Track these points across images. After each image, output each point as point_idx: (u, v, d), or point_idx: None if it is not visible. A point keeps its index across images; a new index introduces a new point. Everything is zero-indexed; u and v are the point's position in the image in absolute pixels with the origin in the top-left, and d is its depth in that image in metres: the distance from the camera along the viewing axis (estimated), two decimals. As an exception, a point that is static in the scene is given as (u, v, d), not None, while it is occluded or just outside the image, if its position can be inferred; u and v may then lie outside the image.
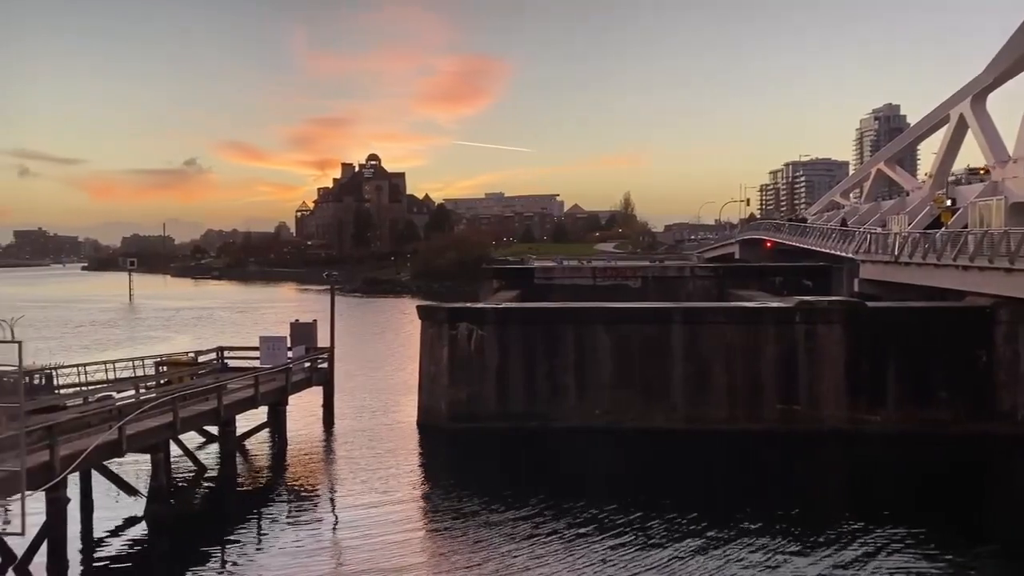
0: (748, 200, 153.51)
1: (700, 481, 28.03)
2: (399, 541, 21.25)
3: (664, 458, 30.52)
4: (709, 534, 21.60)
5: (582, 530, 21.96)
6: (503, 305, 38.43)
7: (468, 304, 39.15)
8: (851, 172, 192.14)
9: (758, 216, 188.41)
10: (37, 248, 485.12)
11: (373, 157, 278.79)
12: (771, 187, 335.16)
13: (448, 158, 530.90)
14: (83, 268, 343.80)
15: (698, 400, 33.58)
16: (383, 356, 60.31)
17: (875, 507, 24.23)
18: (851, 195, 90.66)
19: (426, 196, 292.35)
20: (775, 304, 36.42)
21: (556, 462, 30.07)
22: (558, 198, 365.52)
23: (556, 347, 34.36)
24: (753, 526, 22.17)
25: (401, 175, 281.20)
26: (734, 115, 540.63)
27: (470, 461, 30.98)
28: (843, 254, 51.79)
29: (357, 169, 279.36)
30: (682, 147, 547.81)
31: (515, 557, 20.00)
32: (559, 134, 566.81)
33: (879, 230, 49.65)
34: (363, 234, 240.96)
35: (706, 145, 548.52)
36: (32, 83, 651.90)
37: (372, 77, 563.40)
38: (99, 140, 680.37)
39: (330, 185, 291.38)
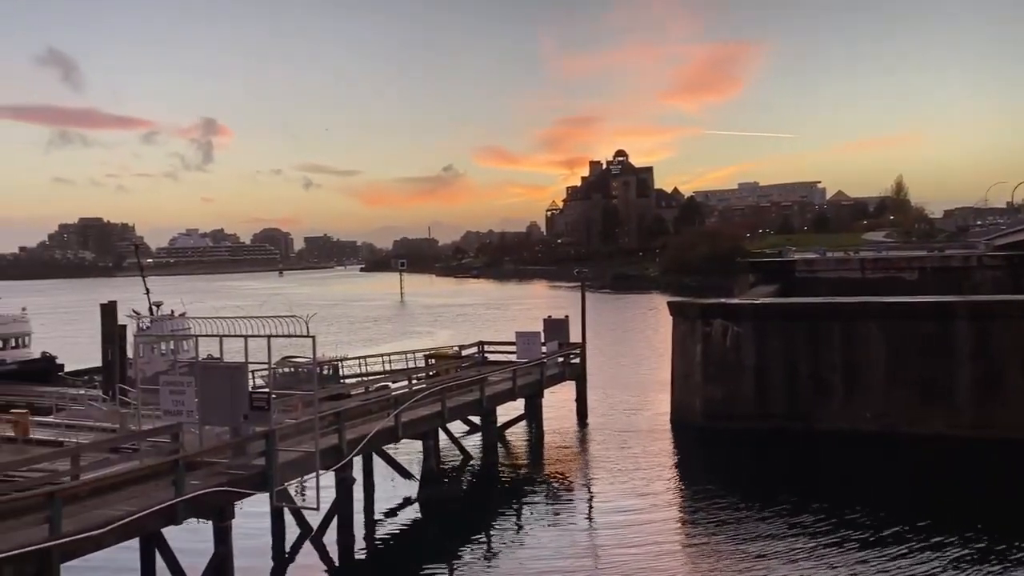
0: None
1: (993, 494, 24.82)
2: (654, 542, 21.01)
3: (947, 467, 27.51)
4: (1014, 558, 19.11)
5: (850, 544, 20.37)
6: (761, 300, 36.82)
7: (722, 300, 37.98)
8: None
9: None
10: (323, 252, 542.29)
11: (620, 153, 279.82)
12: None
13: (697, 149, 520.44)
14: (361, 269, 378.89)
15: (988, 404, 29.95)
16: (633, 352, 60.25)
17: None
18: None
19: (675, 189, 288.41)
20: (1088, 297, 31.53)
21: (822, 467, 28.26)
22: (819, 185, 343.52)
23: (820, 344, 32.28)
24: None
25: (648, 169, 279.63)
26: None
27: (727, 462, 29.95)
28: None
29: (604, 166, 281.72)
30: (962, 123, 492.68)
31: (774, 568, 19.01)
32: (819, 117, 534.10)
33: None
34: (611, 230, 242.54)
35: (991, 119, 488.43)
36: (312, 102, 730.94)
37: (619, 73, 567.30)
38: (370, 152, 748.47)
39: (578, 183, 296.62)
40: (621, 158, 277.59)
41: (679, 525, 22.90)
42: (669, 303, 37.47)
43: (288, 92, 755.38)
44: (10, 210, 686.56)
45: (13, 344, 54.88)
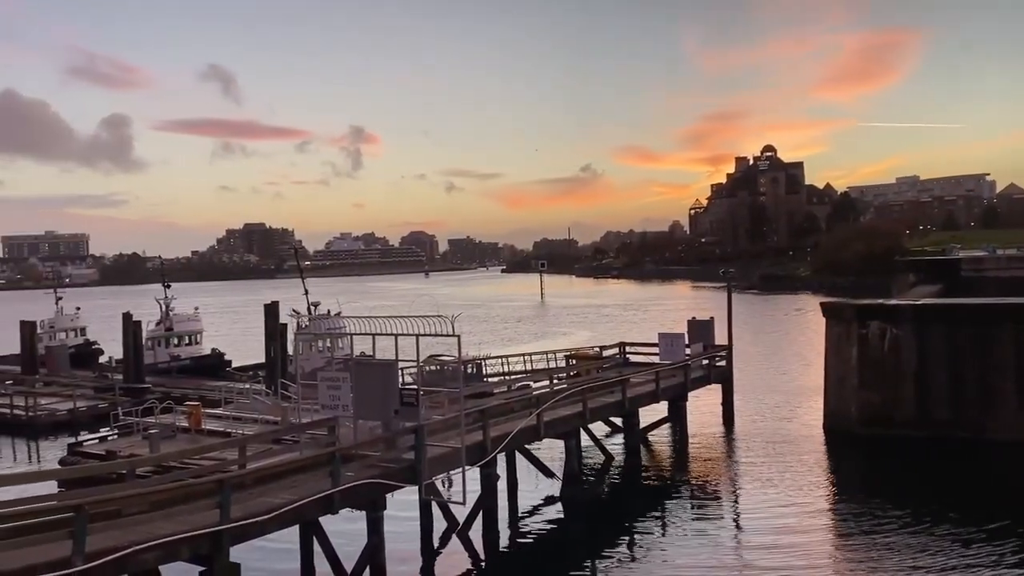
0: None
1: None
2: (805, 557, 19.93)
3: None
4: None
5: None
6: (922, 301, 34.61)
7: (880, 301, 35.94)
8: None
9: None
10: (466, 254, 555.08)
11: (768, 148, 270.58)
12: None
13: (851, 142, 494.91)
14: (502, 270, 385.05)
15: None
16: (783, 355, 58.03)
17: None
18: None
19: (827, 185, 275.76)
20: None
21: (994, 480, 26.15)
22: (988, 178, 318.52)
23: (990, 348, 29.95)
24: None
25: (798, 165, 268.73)
26: None
27: (887, 473, 28.26)
28: None
29: (751, 162, 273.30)
30: None
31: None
32: (987, 105, 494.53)
33: None
34: (758, 229, 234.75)
35: None
36: (454, 107, 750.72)
37: (765, 67, 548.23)
38: (511, 155, 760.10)
39: (723, 181, 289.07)
40: (769, 153, 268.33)
41: (833, 540, 21.62)
42: (822, 304, 35.86)
43: (430, 98, 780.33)
44: (183, 217, 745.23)
45: (187, 341, 59.59)
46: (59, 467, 27.83)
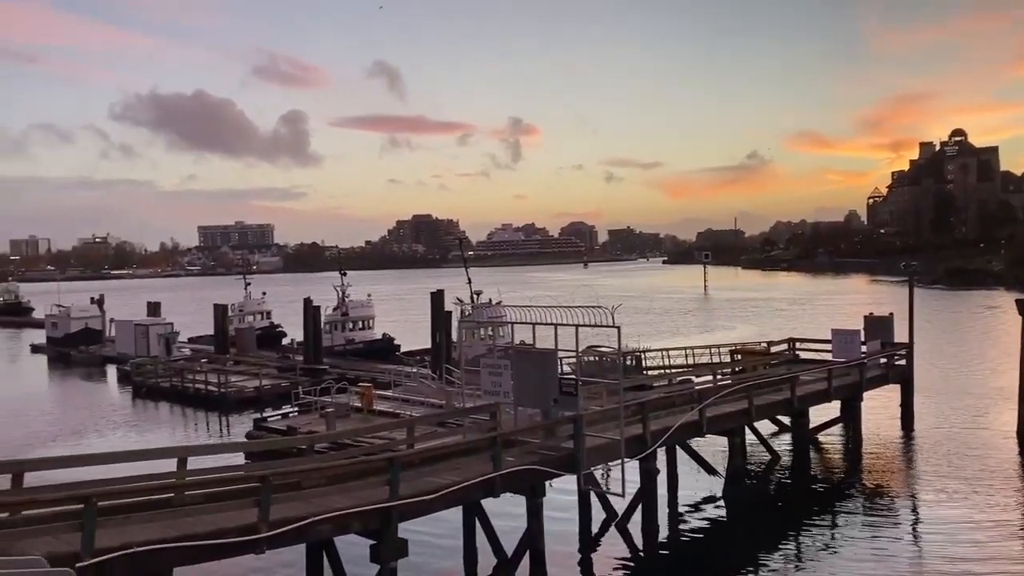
0: None
1: None
2: (988, 571, 18.35)
3: None
4: None
5: None
6: None
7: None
8: None
9: None
10: (626, 244, 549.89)
11: (957, 133, 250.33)
12: None
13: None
14: (663, 262, 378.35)
15: None
16: (971, 356, 53.55)
17: None
18: None
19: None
20: None
21: None
22: None
23: None
24: None
25: (993, 150, 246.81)
26: None
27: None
28: None
29: (938, 148, 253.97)
30: None
31: None
32: None
33: None
34: (945, 219, 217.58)
35: None
36: (612, 96, 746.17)
37: (954, 45, 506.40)
38: (673, 143, 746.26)
39: (906, 168, 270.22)
40: (958, 138, 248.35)
41: (1019, 551, 19.81)
42: (1018, 301, 32.75)
43: (589, 88, 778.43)
44: (357, 209, 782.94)
45: (361, 326, 63.00)
46: (246, 440, 30.18)
